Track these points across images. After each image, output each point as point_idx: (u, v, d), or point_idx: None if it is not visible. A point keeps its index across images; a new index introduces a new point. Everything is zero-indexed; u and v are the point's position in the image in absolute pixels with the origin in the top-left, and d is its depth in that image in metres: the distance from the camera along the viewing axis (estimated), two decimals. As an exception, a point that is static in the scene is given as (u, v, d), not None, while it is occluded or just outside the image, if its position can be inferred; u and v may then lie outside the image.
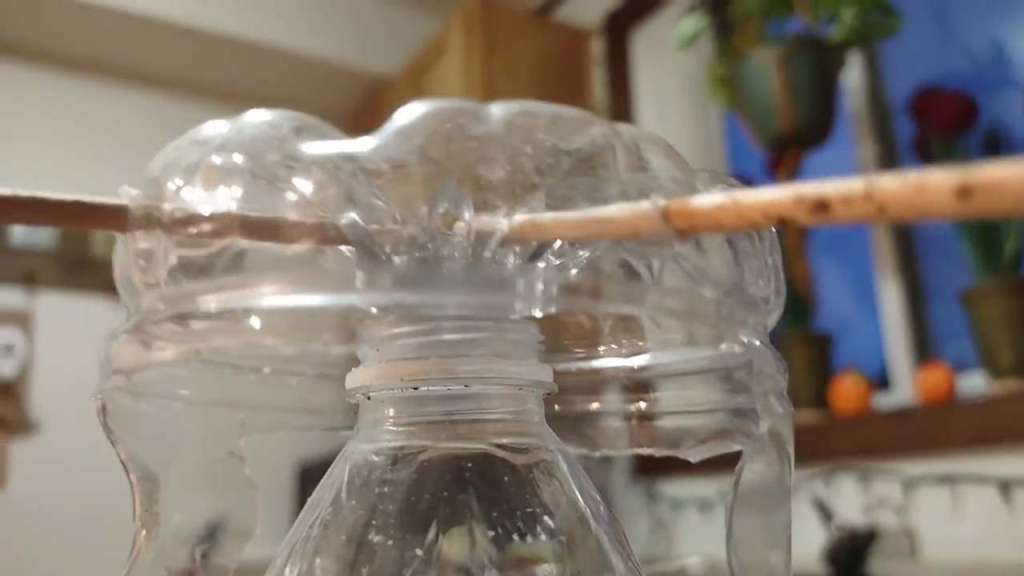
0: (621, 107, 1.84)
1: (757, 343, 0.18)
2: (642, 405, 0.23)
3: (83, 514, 1.78)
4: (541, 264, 0.18)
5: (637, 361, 0.22)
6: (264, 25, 2.01)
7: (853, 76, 1.50)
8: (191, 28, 1.93)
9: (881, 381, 1.41)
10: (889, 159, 1.47)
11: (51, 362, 1.82)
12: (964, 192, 0.11)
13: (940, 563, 1.12)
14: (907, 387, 1.35)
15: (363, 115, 2.30)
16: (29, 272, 1.86)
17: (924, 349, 1.37)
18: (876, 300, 1.43)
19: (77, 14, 1.86)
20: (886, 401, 1.37)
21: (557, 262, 0.18)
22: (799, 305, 1.44)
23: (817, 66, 1.32)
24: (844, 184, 0.12)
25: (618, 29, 1.89)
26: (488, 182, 0.16)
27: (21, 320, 1.82)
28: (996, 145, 1.20)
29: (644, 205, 0.14)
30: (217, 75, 2.13)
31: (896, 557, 1.15)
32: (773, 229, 0.18)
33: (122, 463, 0.18)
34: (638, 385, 0.23)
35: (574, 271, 0.19)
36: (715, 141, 1.83)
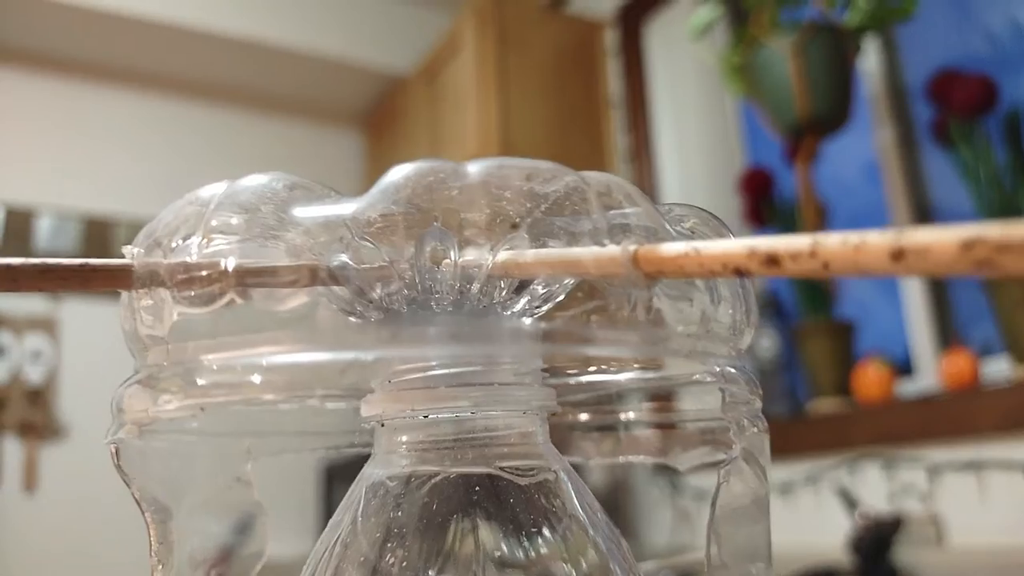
0: (636, 99, 1.84)
1: (731, 370, 0.19)
2: (630, 416, 0.24)
3: (111, 518, 1.82)
4: (526, 297, 0.19)
5: (624, 376, 0.23)
6: (278, 25, 2.03)
7: (870, 61, 1.48)
8: (205, 30, 1.95)
9: (904, 368, 1.40)
10: (908, 144, 1.45)
11: (78, 368, 1.86)
12: (897, 255, 0.11)
13: (967, 550, 1.12)
14: (931, 373, 1.34)
15: (378, 114, 2.32)
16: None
17: (947, 335, 1.36)
18: (898, 286, 1.42)
19: (88, 20, 1.89)
20: (910, 388, 1.36)
21: (543, 292, 0.19)
22: (820, 294, 1.43)
23: (833, 52, 1.31)
24: (792, 241, 0.13)
25: (631, 20, 1.88)
26: (471, 222, 0.17)
27: (48, 327, 1.86)
28: (1016, 128, 1.18)
29: (614, 250, 0.15)
30: (232, 76, 2.16)
31: (922, 544, 1.14)
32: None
33: (136, 503, 0.19)
34: (626, 398, 0.24)
35: (560, 298, 0.19)
36: (732, 130, 1.82)
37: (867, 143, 1.49)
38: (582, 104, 1.89)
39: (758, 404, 0.19)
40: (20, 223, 1.91)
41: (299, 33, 2.05)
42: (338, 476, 1.89)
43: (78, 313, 1.91)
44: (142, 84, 2.12)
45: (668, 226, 0.17)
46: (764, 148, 1.70)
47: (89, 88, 2.05)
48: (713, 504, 0.19)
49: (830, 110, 1.32)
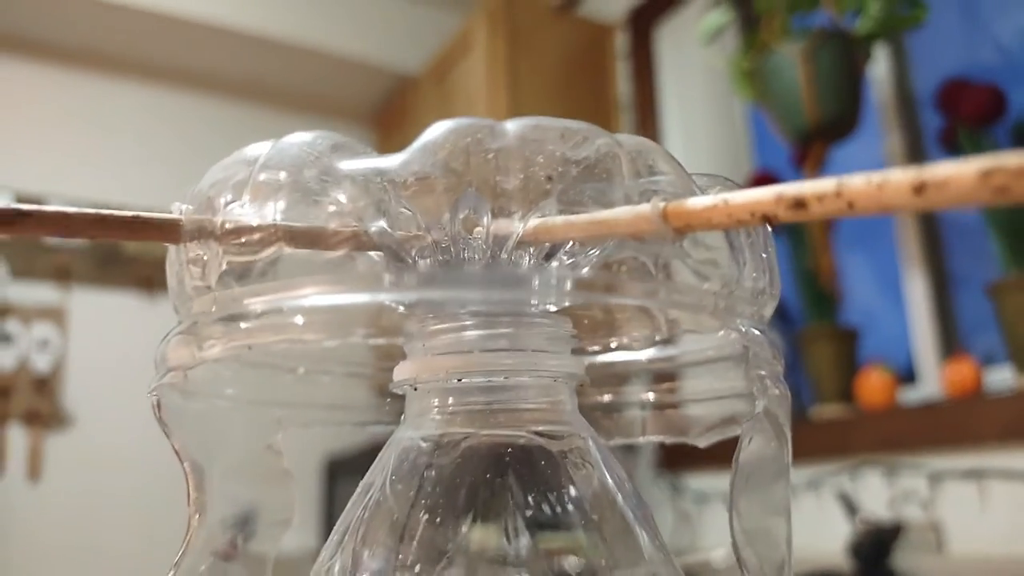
0: (645, 102, 1.84)
1: (755, 331, 0.19)
2: (652, 396, 0.24)
3: (116, 507, 1.82)
4: (555, 263, 0.19)
5: (647, 354, 0.24)
6: (290, 21, 2.04)
7: (879, 68, 1.49)
8: (217, 26, 1.96)
9: (907, 375, 1.40)
10: (916, 152, 1.46)
11: (85, 357, 1.87)
12: (919, 188, 0.12)
13: (966, 558, 1.12)
14: (933, 381, 1.34)
15: (388, 112, 2.32)
16: (63, 268, 1.91)
17: (951, 342, 1.36)
18: (902, 293, 1.42)
19: (101, 12, 1.90)
20: (912, 395, 1.36)
21: (569, 261, 0.20)
22: (824, 299, 1.43)
23: (843, 59, 1.32)
24: (817, 184, 0.13)
25: (642, 24, 1.89)
26: (504, 190, 0.18)
27: (56, 316, 1.86)
28: (1024, 137, 1.19)
29: (645, 207, 0.16)
30: (243, 71, 2.17)
31: (922, 551, 1.15)
32: (767, 226, 0.19)
33: (175, 452, 0.20)
34: (648, 377, 0.24)
35: (586, 269, 0.20)
36: (740, 135, 1.82)
37: (875, 150, 1.49)
38: (591, 106, 1.89)
39: (779, 368, 0.20)
40: (29, 212, 1.92)
41: (311, 30, 2.06)
42: (340, 471, 1.90)
43: (86, 303, 1.92)
44: (153, 76, 2.13)
45: (698, 190, 0.18)
46: (772, 153, 1.70)
47: (100, 79, 2.06)
48: (735, 462, 0.20)
49: (839, 117, 1.32)
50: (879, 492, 1.24)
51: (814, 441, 1.33)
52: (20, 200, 1.91)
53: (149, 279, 1.98)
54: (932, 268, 1.39)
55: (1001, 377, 1.23)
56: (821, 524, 1.28)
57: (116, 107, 2.07)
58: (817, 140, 1.34)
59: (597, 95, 1.91)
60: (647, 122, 1.83)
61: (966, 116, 1.22)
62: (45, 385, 1.81)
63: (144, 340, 1.93)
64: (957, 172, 0.12)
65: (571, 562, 0.20)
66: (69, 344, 1.87)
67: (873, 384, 1.31)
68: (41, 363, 1.81)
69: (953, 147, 1.26)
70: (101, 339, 1.90)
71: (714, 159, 1.78)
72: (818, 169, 1.38)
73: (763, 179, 1.56)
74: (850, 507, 1.18)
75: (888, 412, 1.28)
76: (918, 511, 1.19)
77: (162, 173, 2.07)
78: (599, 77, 1.93)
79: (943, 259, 1.40)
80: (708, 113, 1.81)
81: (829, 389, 1.39)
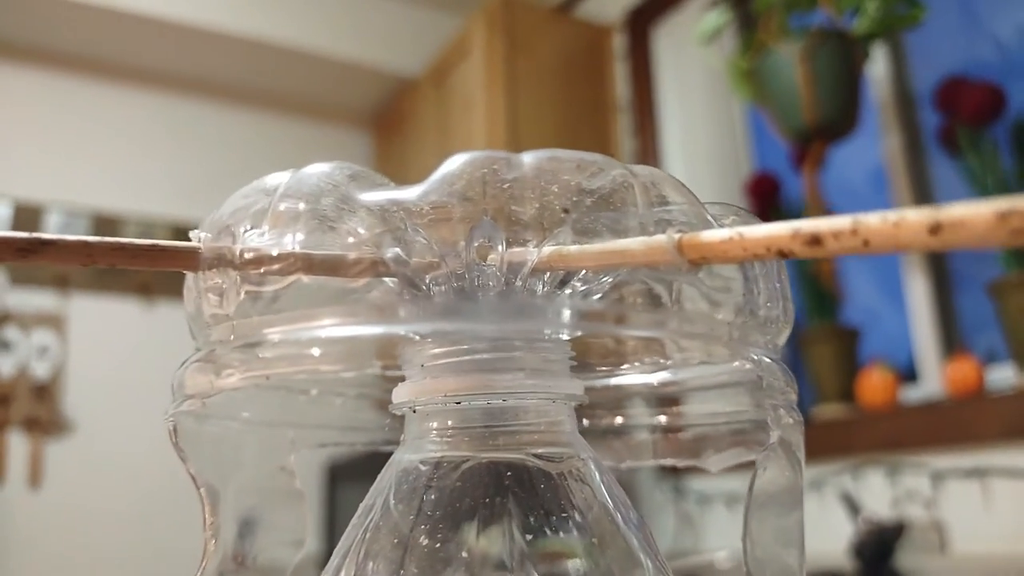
0: (644, 103, 1.84)
1: (767, 360, 0.19)
2: (663, 419, 0.24)
3: (117, 514, 1.82)
4: (567, 291, 0.19)
5: (658, 377, 0.24)
6: (288, 26, 2.04)
7: (878, 68, 1.49)
8: (215, 31, 1.96)
9: (909, 374, 1.41)
10: (915, 151, 1.46)
11: (84, 364, 1.87)
12: (935, 229, 0.12)
13: (969, 557, 1.12)
14: (935, 380, 1.34)
15: (387, 115, 2.32)
16: (62, 275, 1.91)
17: (952, 342, 1.36)
18: (903, 292, 1.42)
19: (99, 18, 1.90)
20: (914, 394, 1.37)
21: (583, 288, 0.20)
22: (825, 299, 1.44)
23: (841, 58, 1.32)
24: (833, 222, 0.13)
25: (640, 24, 1.89)
26: (519, 218, 0.18)
27: (55, 322, 1.86)
28: (1023, 136, 1.19)
29: (660, 238, 0.16)
30: (242, 76, 2.17)
31: (925, 551, 1.15)
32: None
33: (191, 477, 0.20)
34: (660, 400, 0.24)
35: (597, 296, 0.20)
36: (739, 135, 1.82)
37: (874, 150, 1.49)
38: (590, 108, 1.89)
39: (793, 396, 0.20)
40: (29, 219, 1.92)
41: (309, 34, 2.06)
42: (342, 477, 1.90)
43: (85, 309, 1.91)
44: (152, 82, 2.13)
45: (712, 221, 0.18)
46: (771, 153, 1.71)
47: (99, 86, 2.06)
48: (750, 491, 0.20)
49: (837, 116, 1.32)
50: (881, 492, 1.24)
51: (816, 441, 1.33)
52: (19, 208, 1.91)
53: (148, 286, 1.98)
54: (933, 267, 1.39)
55: (1003, 376, 1.23)
56: (824, 524, 1.28)
57: (114, 113, 2.07)
58: (816, 140, 1.34)
59: (596, 96, 1.91)
60: (646, 123, 1.83)
61: (965, 115, 1.22)
62: (45, 392, 1.81)
63: (143, 346, 1.93)
64: (974, 213, 0.12)
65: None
66: (69, 351, 1.86)
67: (874, 383, 1.31)
68: (41, 370, 1.81)
69: (952, 146, 1.26)
70: (100, 346, 1.90)
71: (713, 159, 1.78)
72: (817, 169, 1.38)
73: (761, 181, 1.56)
74: (852, 507, 1.18)
75: (890, 411, 1.28)
76: (921, 511, 1.19)
77: (161, 179, 2.07)
78: (598, 78, 1.93)
79: (944, 258, 1.40)
80: (707, 113, 1.81)
81: (830, 389, 1.39)
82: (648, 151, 1.80)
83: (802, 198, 1.44)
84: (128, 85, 2.10)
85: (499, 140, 1.74)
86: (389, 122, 2.31)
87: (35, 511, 1.77)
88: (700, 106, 1.81)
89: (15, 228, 1.88)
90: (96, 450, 1.84)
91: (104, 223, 1.99)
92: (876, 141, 1.49)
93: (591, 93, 1.91)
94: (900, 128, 1.46)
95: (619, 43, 1.95)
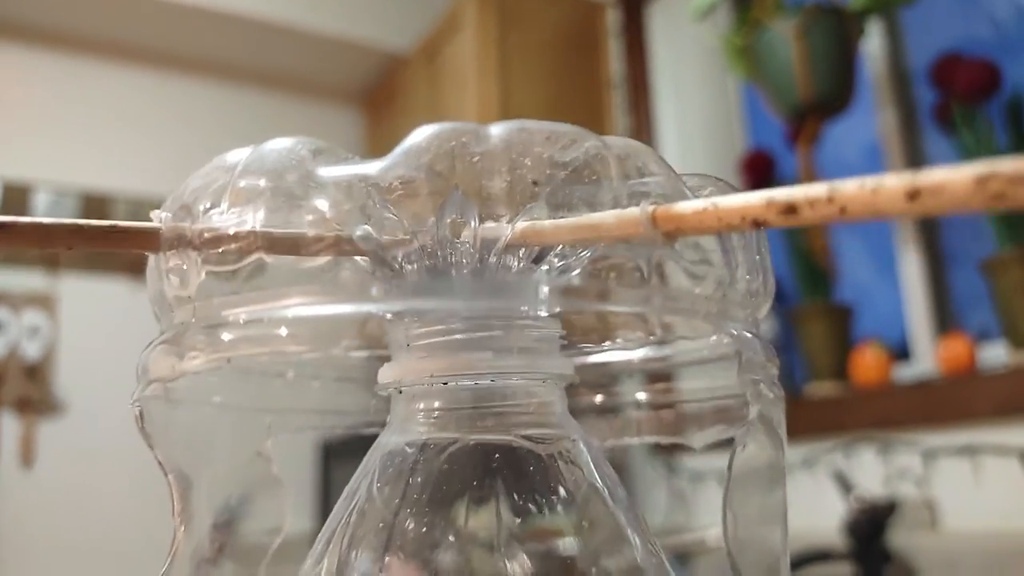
0: (638, 80, 1.83)
1: (747, 334, 0.19)
2: (646, 396, 0.24)
3: (109, 494, 1.82)
4: (544, 267, 0.19)
5: (640, 355, 0.23)
6: (277, 3, 2.01)
7: (873, 44, 1.48)
8: (206, 8, 1.94)
9: (902, 352, 1.41)
10: (910, 127, 1.45)
11: (76, 344, 1.86)
12: (913, 194, 0.12)
13: (961, 534, 1.13)
14: (928, 358, 1.34)
15: (378, 92, 2.30)
16: (52, 255, 1.90)
17: (945, 320, 1.36)
18: (896, 270, 1.42)
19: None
20: (907, 372, 1.37)
21: (560, 264, 0.19)
22: (819, 276, 1.43)
23: (836, 35, 1.31)
24: (809, 189, 0.13)
25: (634, 1, 1.87)
26: (491, 193, 0.17)
27: (45, 303, 1.85)
28: (1018, 112, 1.18)
29: (634, 211, 0.15)
30: (231, 53, 2.14)
31: (916, 528, 1.15)
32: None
33: (159, 464, 0.19)
34: (641, 378, 0.24)
35: (576, 272, 0.20)
36: (734, 112, 1.81)
37: (869, 126, 1.49)
38: (583, 84, 1.88)
39: (774, 371, 0.19)
40: (17, 198, 1.90)
41: (299, 10, 2.04)
42: (336, 454, 1.90)
43: (76, 289, 1.90)
44: (141, 60, 2.10)
45: (688, 193, 0.17)
46: (766, 130, 1.70)
47: (88, 64, 2.04)
48: (729, 469, 0.19)
49: (832, 93, 1.31)
50: (873, 470, 1.25)
51: (808, 419, 1.34)
52: (7, 188, 1.90)
53: (138, 265, 1.96)
54: (926, 245, 1.39)
55: (995, 354, 1.23)
56: (815, 502, 1.29)
57: (103, 91, 2.04)
58: (811, 116, 1.33)
59: (589, 73, 1.90)
60: (639, 100, 1.81)
61: (960, 91, 1.21)
62: (36, 372, 1.81)
63: (135, 327, 1.92)
64: (952, 178, 0.11)
65: (560, 565, 0.20)
66: (60, 331, 1.86)
67: (867, 361, 1.31)
68: (32, 350, 1.80)
69: (947, 122, 1.25)
70: (92, 326, 1.89)
71: (707, 137, 1.77)
72: (812, 145, 1.37)
73: (756, 158, 1.55)
74: (844, 485, 1.18)
75: (882, 389, 1.28)
76: (912, 488, 1.19)
77: (153, 157, 2.05)
78: (591, 55, 1.91)
79: (937, 236, 1.39)
80: (701, 90, 1.79)
81: (823, 367, 1.39)
82: (642, 128, 1.79)
83: (797, 175, 1.43)
84: (116, 62, 2.07)
85: (491, 117, 1.71)
86: (380, 99, 2.29)
87: (27, 491, 1.77)
88: (694, 83, 1.79)
89: (3, 207, 1.87)
90: (88, 430, 1.83)
91: (93, 202, 1.97)
92: (871, 118, 1.48)
93: (585, 69, 1.89)
94: (895, 104, 1.45)
95: (613, 19, 1.93)
